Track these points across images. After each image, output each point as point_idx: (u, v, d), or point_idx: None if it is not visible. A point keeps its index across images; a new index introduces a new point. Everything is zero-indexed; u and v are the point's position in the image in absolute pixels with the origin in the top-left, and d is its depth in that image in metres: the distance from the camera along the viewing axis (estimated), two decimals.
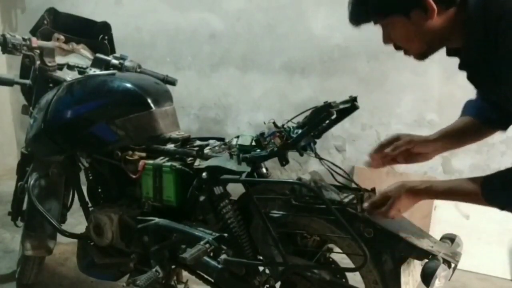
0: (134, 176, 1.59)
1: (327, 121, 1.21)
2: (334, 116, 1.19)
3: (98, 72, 1.77)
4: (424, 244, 1.13)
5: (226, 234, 1.38)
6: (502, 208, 0.99)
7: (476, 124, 1.26)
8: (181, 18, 3.37)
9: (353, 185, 1.33)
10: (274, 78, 3.13)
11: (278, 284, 1.42)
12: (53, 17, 1.93)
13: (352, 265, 1.22)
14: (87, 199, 1.86)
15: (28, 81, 1.95)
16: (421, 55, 1.10)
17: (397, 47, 1.10)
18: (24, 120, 3.67)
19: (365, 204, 1.17)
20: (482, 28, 0.94)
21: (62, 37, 1.85)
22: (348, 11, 1.09)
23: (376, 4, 1.03)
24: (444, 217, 2.55)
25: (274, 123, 1.29)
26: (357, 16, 1.08)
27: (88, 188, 1.85)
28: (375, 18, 1.07)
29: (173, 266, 1.59)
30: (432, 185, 1.08)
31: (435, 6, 0.96)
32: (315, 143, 1.32)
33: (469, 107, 1.31)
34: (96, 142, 1.62)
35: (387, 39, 1.10)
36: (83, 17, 2.06)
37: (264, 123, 1.31)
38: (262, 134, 1.33)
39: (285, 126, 1.29)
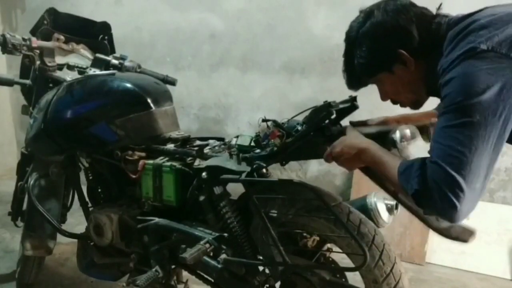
0: (134, 176, 1.59)
1: (326, 121, 1.20)
2: (333, 116, 1.19)
3: (98, 72, 1.77)
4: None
5: (226, 234, 1.38)
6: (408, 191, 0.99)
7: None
8: (181, 18, 3.38)
9: None
10: (274, 78, 3.13)
11: (278, 284, 1.42)
12: (53, 17, 1.92)
13: (352, 265, 1.22)
14: (87, 199, 1.86)
15: (28, 81, 1.94)
16: (414, 104, 1.21)
17: (394, 102, 1.22)
18: (24, 120, 3.66)
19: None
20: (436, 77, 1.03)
21: (62, 37, 1.85)
22: (345, 81, 1.22)
23: (362, 68, 1.14)
24: None
25: (264, 120, 1.29)
26: (353, 83, 1.21)
27: (88, 188, 1.85)
28: (366, 80, 1.18)
29: (173, 266, 1.59)
30: (369, 148, 1.09)
31: (411, 58, 1.07)
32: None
33: None
34: (96, 142, 1.62)
35: (383, 96, 1.22)
36: (83, 17, 2.06)
37: (259, 125, 1.31)
38: (257, 135, 1.33)
39: (285, 125, 1.29)
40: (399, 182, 1.01)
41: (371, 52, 1.11)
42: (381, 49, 1.09)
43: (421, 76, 1.11)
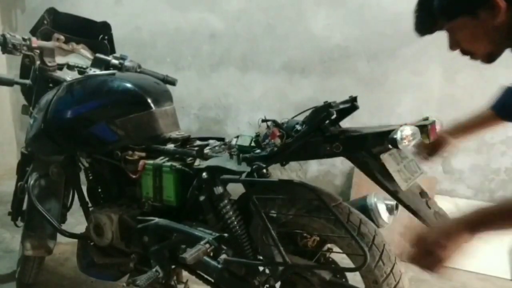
0: (134, 176, 1.59)
1: (327, 121, 1.20)
2: (334, 116, 1.19)
3: (98, 72, 1.77)
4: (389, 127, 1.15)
5: (226, 234, 1.38)
6: None
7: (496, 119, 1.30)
8: (181, 18, 3.38)
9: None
10: (274, 78, 3.13)
11: (278, 284, 1.42)
12: (53, 17, 1.92)
13: (352, 265, 1.22)
14: (87, 199, 1.86)
15: (28, 81, 1.95)
16: (489, 57, 1.06)
17: (464, 52, 1.08)
18: (24, 120, 3.66)
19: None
20: None
21: (62, 37, 1.85)
22: (414, 22, 1.08)
23: (442, 7, 1.01)
24: None
25: (264, 120, 1.29)
26: (423, 25, 1.08)
27: (88, 188, 1.85)
28: (441, 23, 1.05)
29: (173, 266, 1.59)
30: (479, 211, 0.94)
31: (504, 3, 0.92)
32: None
33: (497, 102, 1.31)
34: (96, 142, 1.62)
35: (453, 45, 1.08)
36: (83, 17, 2.06)
37: (259, 125, 1.31)
38: (257, 135, 1.33)
39: (285, 125, 1.29)
40: None
41: None
42: None
43: (508, 25, 0.95)
